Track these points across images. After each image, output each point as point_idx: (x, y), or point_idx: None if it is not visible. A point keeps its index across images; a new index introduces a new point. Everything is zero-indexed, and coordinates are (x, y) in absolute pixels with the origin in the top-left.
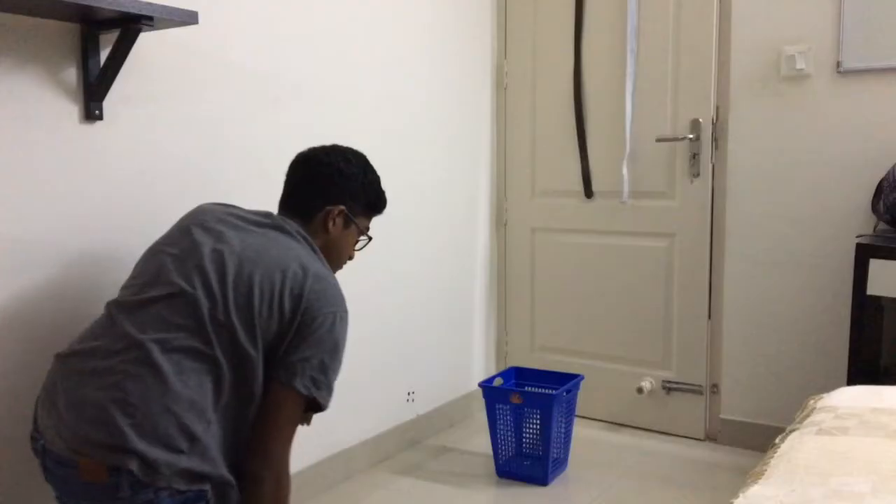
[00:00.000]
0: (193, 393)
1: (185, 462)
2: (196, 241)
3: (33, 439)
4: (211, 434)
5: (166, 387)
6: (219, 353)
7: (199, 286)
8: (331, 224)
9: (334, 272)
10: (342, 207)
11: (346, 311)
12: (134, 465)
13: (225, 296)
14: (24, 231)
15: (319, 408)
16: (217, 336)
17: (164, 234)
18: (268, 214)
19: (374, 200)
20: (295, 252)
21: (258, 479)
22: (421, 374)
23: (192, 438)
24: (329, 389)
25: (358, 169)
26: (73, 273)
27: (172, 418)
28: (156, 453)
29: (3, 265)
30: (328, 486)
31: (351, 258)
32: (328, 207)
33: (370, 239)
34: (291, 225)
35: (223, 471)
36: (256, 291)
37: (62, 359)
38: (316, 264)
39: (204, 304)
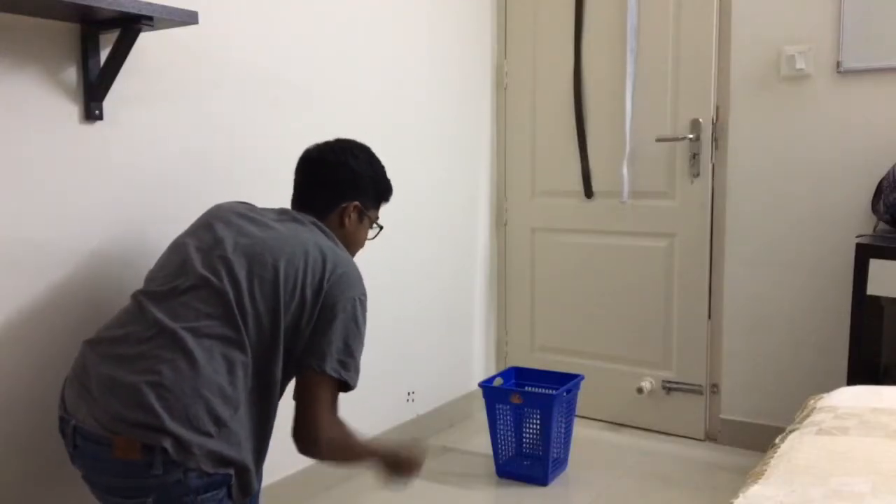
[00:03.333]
0: (222, 379)
1: (213, 445)
2: (218, 235)
3: (63, 420)
4: (237, 420)
5: (197, 372)
6: (246, 341)
7: (224, 276)
8: (347, 220)
9: None
10: (356, 203)
11: (365, 294)
12: (168, 444)
13: (251, 284)
14: (23, 231)
15: (348, 387)
16: (244, 324)
17: (185, 230)
18: (283, 210)
19: (382, 191)
20: (314, 240)
21: (314, 454)
22: (421, 374)
23: (219, 423)
24: (356, 370)
25: (366, 164)
26: (73, 273)
27: (202, 402)
28: (188, 434)
29: (2, 265)
30: (328, 486)
31: (362, 245)
32: (343, 204)
33: (381, 228)
34: (307, 217)
35: (247, 457)
36: (282, 278)
37: (92, 345)
38: (335, 250)
39: (230, 293)
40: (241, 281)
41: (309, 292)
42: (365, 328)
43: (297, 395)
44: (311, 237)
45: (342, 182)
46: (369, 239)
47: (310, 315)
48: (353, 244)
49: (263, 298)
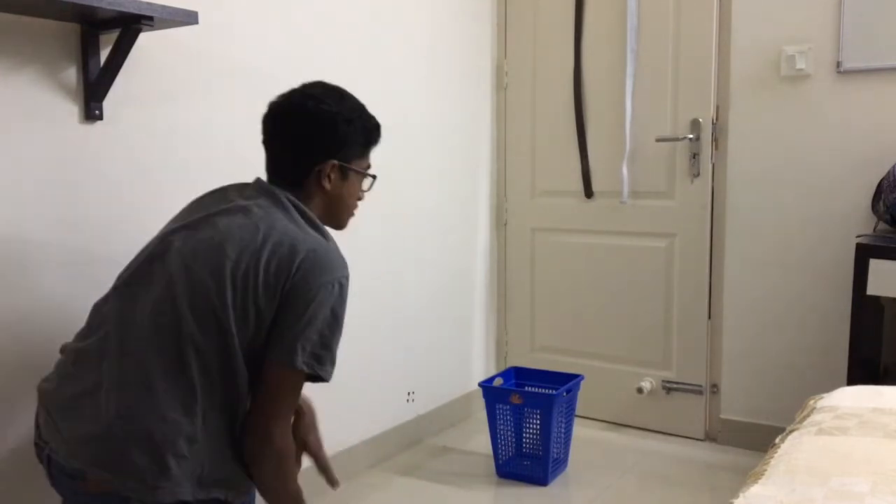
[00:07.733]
0: (178, 401)
1: (186, 467)
2: (168, 239)
3: (37, 447)
4: (207, 437)
5: (155, 402)
6: (196, 374)
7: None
8: (326, 182)
9: (346, 222)
10: (333, 162)
11: (345, 277)
12: (136, 480)
13: (191, 299)
14: (23, 231)
15: (321, 380)
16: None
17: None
18: (259, 188)
19: (366, 134)
20: (280, 229)
21: (260, 456)
22: (421, 374)
23: (190, 441)
24: (332, 362)
25: (338, 109)
26: (72, 273)
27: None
28: (156, 468)
29: (2, 265)
30: (326, 486)
31: (360, 199)
32: (317, 167)
33: (374, 177)
34: (282, 193)
35: (228, 472)
36: (228, 294)
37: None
38: (305, 239)
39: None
40: (179, 297)
41: (265, 297)
42: (344, 314)
43: (259, 389)
44: (279, 226)
45: (310, 139)
46: (364, 191)
47: (273, 317)
48: (343, 205)
49: (205, 314)
